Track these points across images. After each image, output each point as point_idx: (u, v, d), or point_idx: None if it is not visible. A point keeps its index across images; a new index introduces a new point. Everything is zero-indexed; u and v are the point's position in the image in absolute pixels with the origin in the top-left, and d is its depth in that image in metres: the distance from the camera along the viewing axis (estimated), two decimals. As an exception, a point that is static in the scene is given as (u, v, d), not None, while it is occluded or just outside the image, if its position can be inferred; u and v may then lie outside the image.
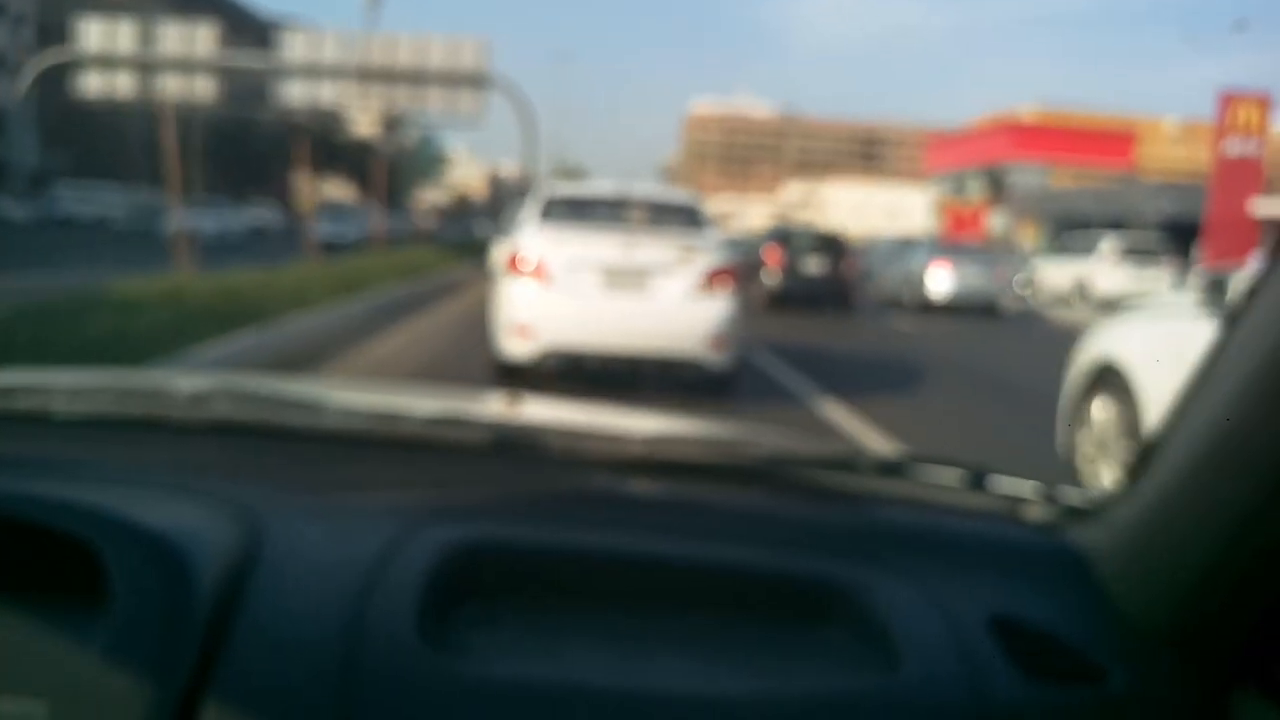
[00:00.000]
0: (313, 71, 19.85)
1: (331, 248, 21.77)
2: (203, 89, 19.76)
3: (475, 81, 20.11)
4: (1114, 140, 27.45)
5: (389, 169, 52.66)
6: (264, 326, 7.65)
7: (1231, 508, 0.69)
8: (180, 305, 7.72)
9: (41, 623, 0.66)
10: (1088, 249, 21.80)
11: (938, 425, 6.80)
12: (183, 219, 14.90)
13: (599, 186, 8.29)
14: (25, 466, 0.85)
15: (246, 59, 20.09)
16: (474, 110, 20.33)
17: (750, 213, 66.45)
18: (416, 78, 20.12)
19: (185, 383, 1.13)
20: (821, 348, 10.88)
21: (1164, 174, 28.44)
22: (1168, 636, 0.75)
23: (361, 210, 33.78)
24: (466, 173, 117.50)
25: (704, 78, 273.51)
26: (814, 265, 16.39)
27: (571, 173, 56.48)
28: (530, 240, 6.71)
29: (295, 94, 20.11)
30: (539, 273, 6.50)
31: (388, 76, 20.01)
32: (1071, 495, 0.95)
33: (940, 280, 18.02)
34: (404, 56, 20.10)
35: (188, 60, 19.59)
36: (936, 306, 17.78)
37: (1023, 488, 0.97)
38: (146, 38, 19.62)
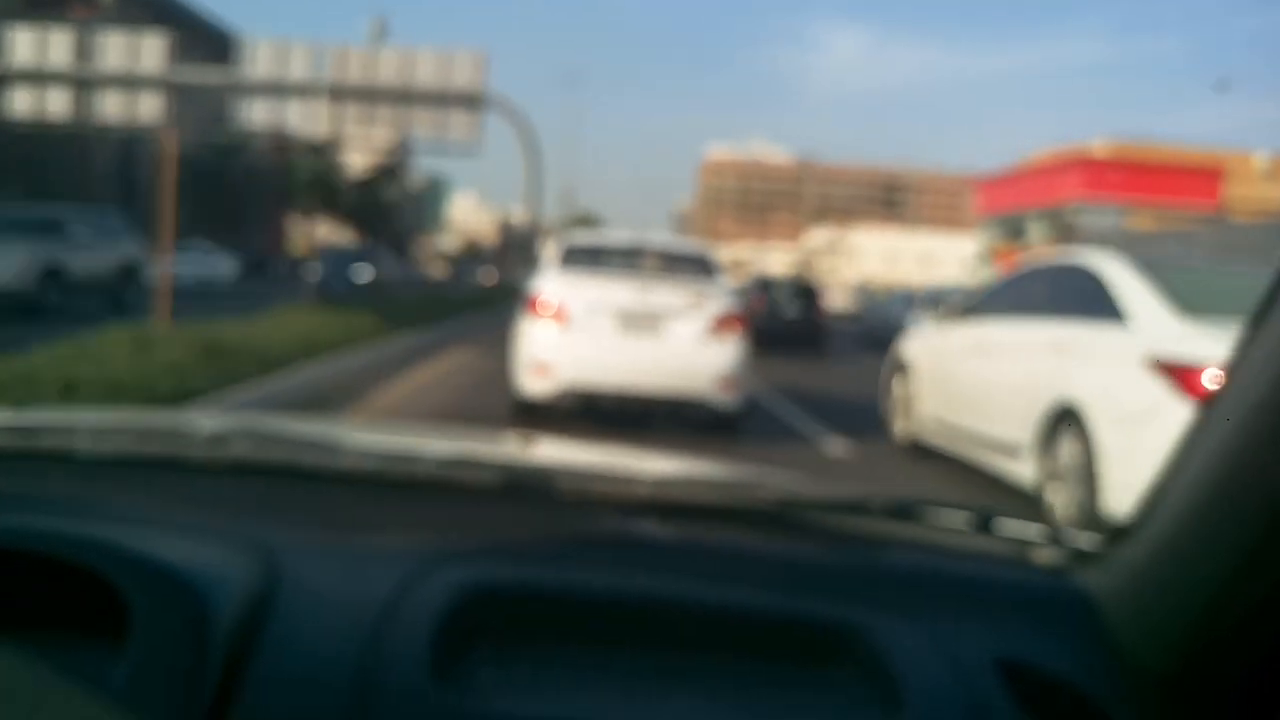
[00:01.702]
0: (278, 89, 16.86)
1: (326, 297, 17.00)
2: (148, 108, 16.80)
3: (469, 102, 17.07)
4: (1198, 177, 24.30)
5: (390, 212, 49.63)
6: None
7: (1234, 549, 0.68)
8: None
9: (61, 660, 0.65)
10: None
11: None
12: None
13: (615, 236, 8.52)
14: (50, 504, 0.86)
15: (200, 74, 17.14)
16: (468, 135, 17.27)
17: (770, 260, 63.39)
18: (401, 97, 17.06)
19: (205, 423, 1.13)
20: (801, 380, 12.36)
21: (1254, 214, 25.23)
22: (1172, 679, 0.73)
23: (361, 252, 28.80)
24: (478, 219, 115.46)
25: (719, 124, 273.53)
26: (791, 310, 18.61)
27: (585, 221, 54.15)
28: (551, 284, 6.94)
29: (257, 115, 17.14)
30: (559, 315, 6.76)
31: (367, 95, 16.99)
32: (1079, 538, 0.93)
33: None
34: (386, 73, 17.01)
35: (131, 75, 16.61)
36: None
37: (1030, 531, 0.97)
38: (84, 50, 16.61)
